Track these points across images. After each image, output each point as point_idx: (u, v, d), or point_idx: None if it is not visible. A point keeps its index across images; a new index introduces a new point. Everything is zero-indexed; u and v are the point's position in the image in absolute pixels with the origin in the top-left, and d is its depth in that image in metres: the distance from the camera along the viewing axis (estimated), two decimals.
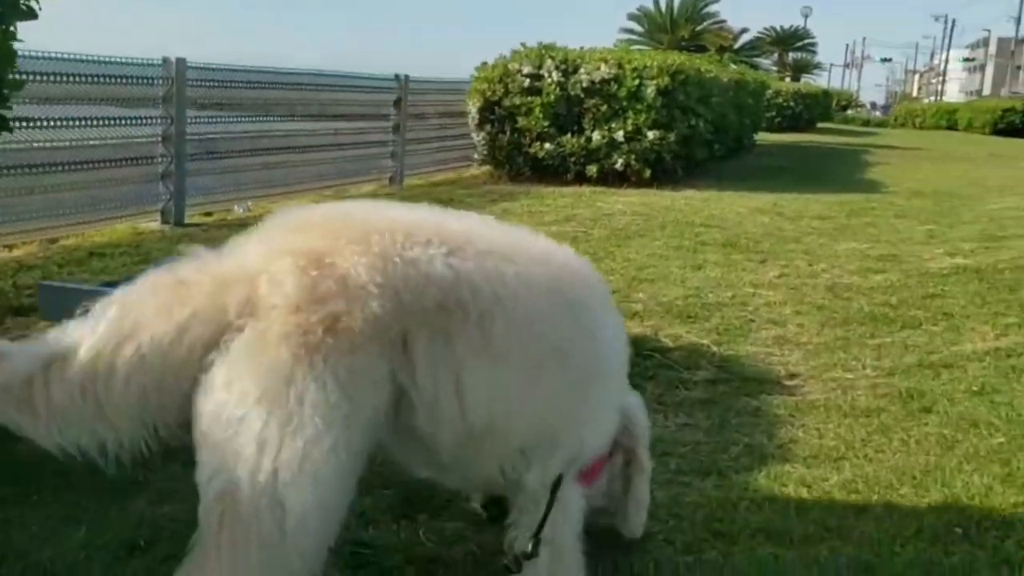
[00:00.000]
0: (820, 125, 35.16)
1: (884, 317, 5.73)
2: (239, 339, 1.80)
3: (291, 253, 1.87)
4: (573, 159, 12.35)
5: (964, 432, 3.84)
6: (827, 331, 5.43)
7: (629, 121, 12.21)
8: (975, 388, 4.41)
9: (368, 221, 2.01)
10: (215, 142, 9.13)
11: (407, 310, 1.89)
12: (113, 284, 4.00)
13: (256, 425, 1.76)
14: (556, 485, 2.21)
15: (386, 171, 12.23)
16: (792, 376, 4.62)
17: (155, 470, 3.12)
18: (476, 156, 13.43)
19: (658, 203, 10.64)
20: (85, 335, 1.82)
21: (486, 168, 13.37)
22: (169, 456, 3.21)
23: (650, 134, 12.17)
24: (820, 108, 36.64)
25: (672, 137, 12.39)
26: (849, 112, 55.02)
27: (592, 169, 12.24)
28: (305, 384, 1.77)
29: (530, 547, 2.19)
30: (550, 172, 12.46)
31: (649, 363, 4.60)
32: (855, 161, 19.00)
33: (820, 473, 3.38)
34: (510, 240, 2.21)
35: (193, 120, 8.67)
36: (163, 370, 1.82)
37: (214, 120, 9.22)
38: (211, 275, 1.88)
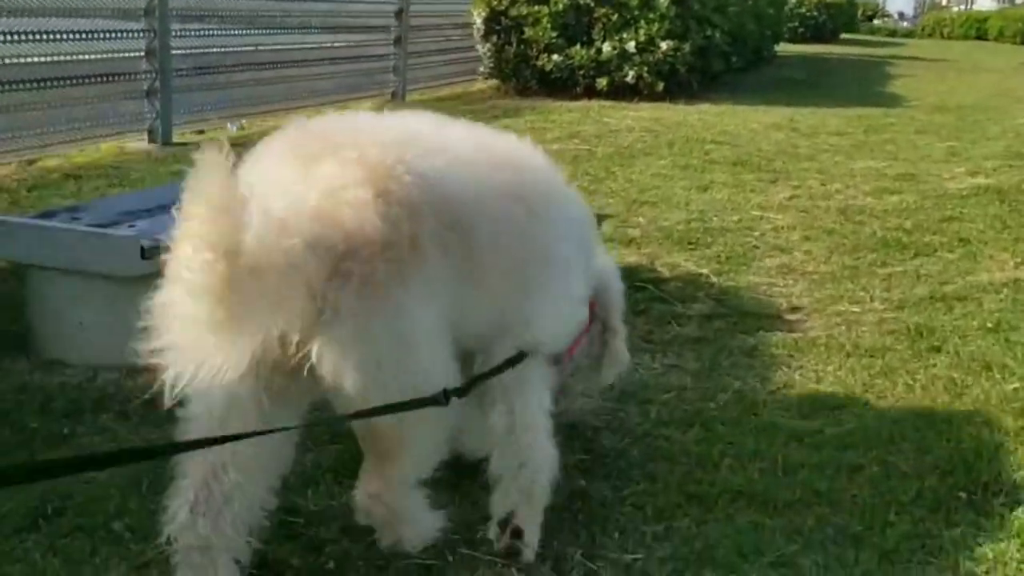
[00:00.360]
0: (844, 36, 34.11)
1: (897, 243, 5.38)
2: (351, 290, 1.86)
3: (361, 183, 1.91)
4: (582, 72, 11.84)
5: (975, 375, 3.53)
6: (835, 259, 5.10)
7: (641, 31, 11.66)
8: (990, 324, 4.08)
9: (397, 132, 2.12)
10: (203, 56, 8.69)
11: (438, 227, 2.00)
12: (50, 214, 3.73)
13: (391, 368, 1.95)
14: (513, 357, 2.25)
15: (387, 86, 11.76)
16: (794, 310, 4.32)
17: (83, 422, 2.89)
18: (482, 69, 12.92)
19: (669, 118, 10.20)
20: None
21: (492, 82, 12.87)
22: (99, 407, 3.00)
23: (663, 45, 11.63)
24: (845, 18, 35.53)
25: (687, 48, 11.82)
26: (875, 22, 53.39)
27: (602, 82, 11.73)
28: (410, 310, 1.94)
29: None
30: (558, 85, 11.95)
31: (641, 295, 4.30)
32: (878, 73, 18.31)
33: (814, 425, 3.09)
34: (481, 146, 2.30)
35: (178, 33, 8.24)
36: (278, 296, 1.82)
37: (201, 33, 8.78)
38: (299, 212, 1.87)
